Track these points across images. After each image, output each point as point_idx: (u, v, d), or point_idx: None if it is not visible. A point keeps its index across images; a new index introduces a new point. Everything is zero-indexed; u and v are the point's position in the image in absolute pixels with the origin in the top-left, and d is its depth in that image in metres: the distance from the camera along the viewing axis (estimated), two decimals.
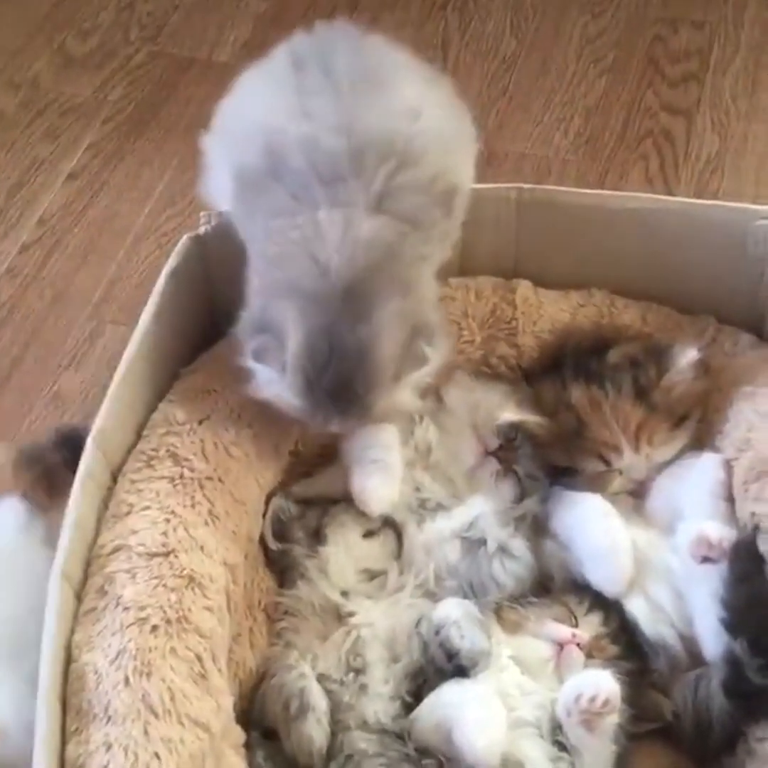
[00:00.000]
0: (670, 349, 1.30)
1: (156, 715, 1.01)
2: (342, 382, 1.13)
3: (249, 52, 2.10)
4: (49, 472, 1.31)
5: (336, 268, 1.10)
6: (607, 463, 1.28)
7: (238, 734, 1.12)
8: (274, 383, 1.15)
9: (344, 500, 1.30)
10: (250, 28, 2.17)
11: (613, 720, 1.11)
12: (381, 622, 1.21)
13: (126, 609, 1.07)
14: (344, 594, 1.24)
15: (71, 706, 1.02)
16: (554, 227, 1.36)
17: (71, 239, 1.86)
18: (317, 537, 1.29)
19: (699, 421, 1.31)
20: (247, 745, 1.13)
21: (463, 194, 1.22)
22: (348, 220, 1.11)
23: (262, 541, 1.28)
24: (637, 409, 1.28)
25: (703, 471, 1.25)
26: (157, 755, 0.98)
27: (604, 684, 1.09)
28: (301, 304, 1.11)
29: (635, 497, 1.30)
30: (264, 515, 1.28)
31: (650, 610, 1.21)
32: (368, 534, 1.30)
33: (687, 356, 1.28)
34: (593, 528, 1.23)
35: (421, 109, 1.17)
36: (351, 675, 1.17)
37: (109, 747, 0.98)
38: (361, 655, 1.18)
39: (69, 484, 1.15)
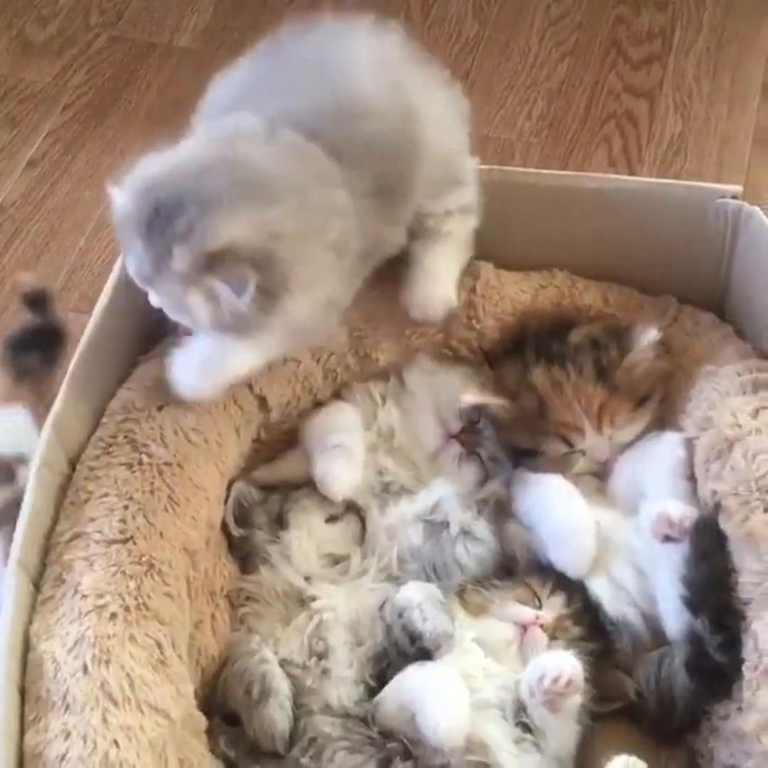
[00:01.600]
0: (632, 330, 1.29)
1: (115, 703, 1.00)
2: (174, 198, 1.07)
3: (209, 38, 2.09)
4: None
5: None
6: (570, 444, 1.28)
7: (200, 721, 1.11)
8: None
9: (306, 485, 1.30)
10: (210, 13, 2.15)
11: (576, 700, 1.11)
12: (344, 606, 1.21)
13: (84, 597, 1.06)
14: (307, 579, 1.24)
15: (30, 695, 1.01)
16: (515, 208, 1.35)
17: (32, 227, 1.85)
18: (280, 522, 1.28)
19: (661, 401, 1.31)
20: (209, 731, 1.13)
21: None
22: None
23: (224, 527, 1.28)
24: (598, 390, 1.27)
25: (664, 450, 1.25)
26: (116, 743, 0.98)
27: (567, 664, 1.09)
28: None
29: (598, 478, 1.30)
30: (226, 501, 1.27)
31: (613, 590, 1.21)
32: (331, 519, 1.29)
33: (648, 336, 1.27)
34: (556, 509, 1.23)
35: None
36: (314, 659, 1.17)
37: (67, 735, 0.98)
38: (324, 639, 1.18)
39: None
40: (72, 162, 1.93)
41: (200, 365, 1.19)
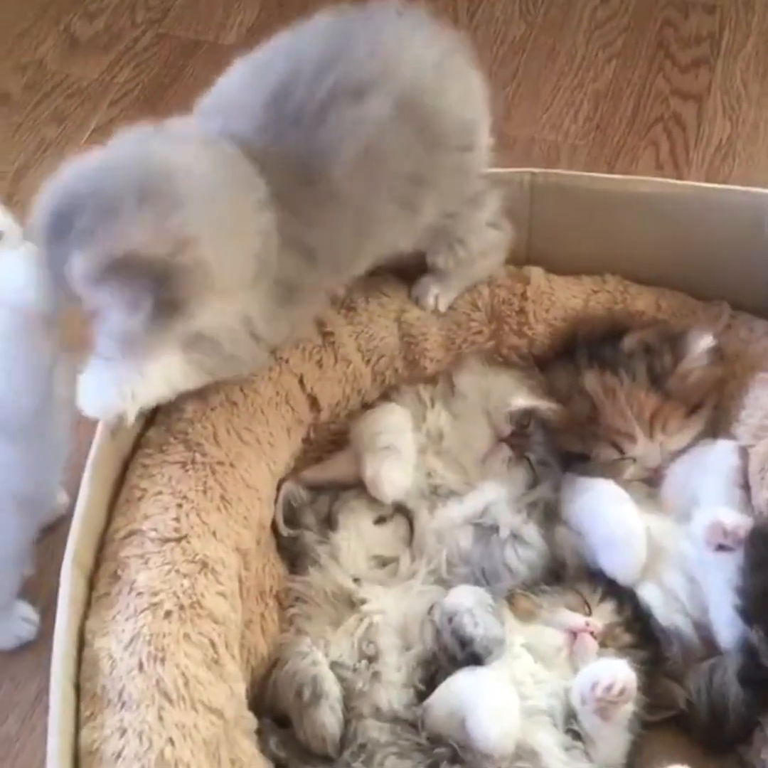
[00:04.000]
0: (685, 336, 1.29)
1: (170, 701, 1.00)
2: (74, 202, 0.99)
3: (255, 35, 2.08)
4: None
5: None
6: (621, 450, 1.28)
7: (251, 721, 1.12)
8: None
9: (355, 486, 1.30)
10: (256, 11, 2.15)
11: (628, 709, 1.11)
12: (393, 609, 1.21)
13: (139, 594, 1.06)
14: (356, 580, 1.24)
15: (85, 692, 1.02)
16: (567, 212, 1.35)
17: None
18: (328, 523, 1.28)
19: (714, 408, 1.30)
20: (260, 732, 1.13)
21: None
22: None
23: (274, 527, 1.28)
24: (651, 397, 1.27)
25: (718, 458, 1.24)
26: (171, 741, 0.98)
27: (620, 672, 1.09)
28: None
29: (649, 484, 1.29)
30: (275, 501, 1.27)
31: (664, 598, 1.20)
32: (380, 520, 1.29)
33: (702, 343, 1.27)
34: (607, 515, 1.23)
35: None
36: (364, 662, 1.17)
37: (123, 732, 0.98)
38: (374, 642, 1.18)
39: None
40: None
41: (109, 385, 1.08)
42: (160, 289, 0.98)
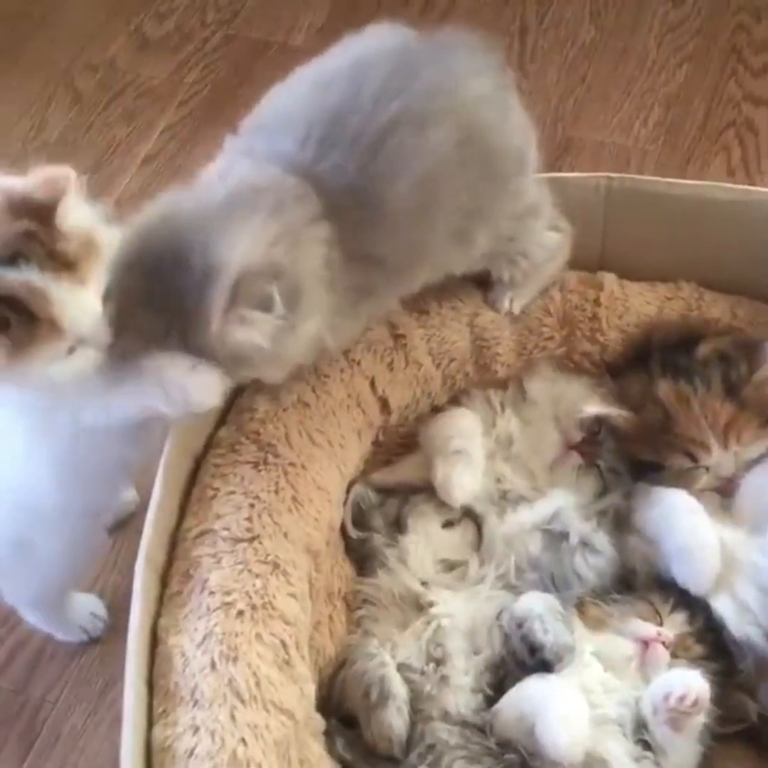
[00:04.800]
0: (761, 345, 1.27)
1: (242, 701, 1.01)
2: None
3: (324, 37, 2.09)
4: None
5: None
6: (695, 459, 1.26)
7: (319, 722, 1.12)
8: None
9: (424, 489, 1.30)
10: (325, 13, 2.16)
11: (700, 720, 1.10)
12: (461, 613, 1.20)
13: (212, 593, 1.07)
14: (424, 584, 1.24)
15: (158, 688, 1.02)
16: (643, 218, 1.33)
17: None
18: (397, 526, 1.28)
19: None
20: (327, 733, 1.13)
21: None
22: None
23: (342, 528, 1.28)
24: (726, 406, 1.25)
25: None
26: (243, 741, 0.98)
27: (694, 683, 1.08)
28: None
29: (722, 495, 1.28)
30: (345, 504, 1.27)
31: (737, 609, 1.18)
32: (448, 524, 1.29)
33: None
34: (680, 525, 1.21)
35: None
36: (432, 665, 1.17)
37: (195, 730, 0.99)
38: (442, 645, 1.18)
39: None
40: (187, 158, 1.95)
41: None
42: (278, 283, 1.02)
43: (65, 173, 0.93)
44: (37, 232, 0.91)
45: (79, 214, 0.94)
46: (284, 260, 1.04)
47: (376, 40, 1.17)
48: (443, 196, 1.13)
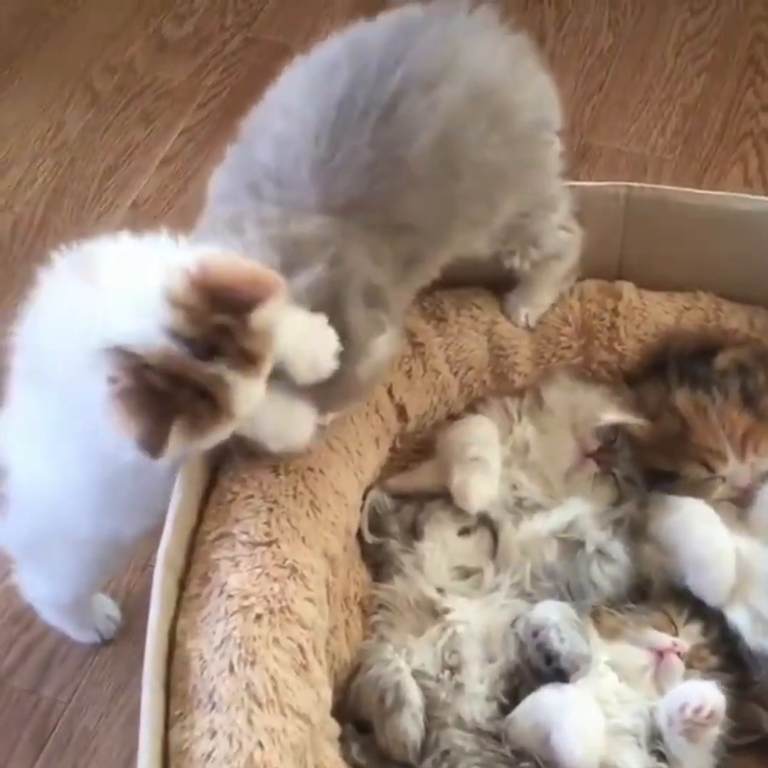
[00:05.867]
0: None
1: (260, 704, 1.01)
2: None
3: None
4: None
5: None
6: (711, 470, 1.26)
7: (334, 727, 1.12)
8: None
9: (440, 496, 1.30)
10: (345, 17, 2.15)
11: (715, 731, 1.10)
12: (476, 620, 1.21)
13: (230, 597, 1.07)
14: (440, 590, 1.24)
15: (176, 691, 1.02)
16: (662, 227, 1.34)
17: (163, 225, 1.87)
18: (413, 532, 1.28)
19: None
20: (342, 738, 1.13)
21: None
22: None
23: (359, 534, 1.28)
24: (744, 416, 1.26)
25: None
26: (260, 744, 0.98)
27: (710, 695, 1.08)
28: None
29: (738, 505, 1.28)
30: (361, 509, 1.28)
31: (752, 620, 1.19)
32: (464, 531, 1.29)
33: None
34: (695, 535, 1.22)
35: None
36: (447, 672, 1.17)
37: (213, 733, 0.99)
38: (457, 652, 1.18)
39: None
40: (205, 161, 1.95)
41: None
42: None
43: (274, 279, 0.94)
44: (233, 329, 0.92)
45: (270, 315, 0.95)
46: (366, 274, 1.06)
47: (368, 25, 1.16)
48: (462, 151, 1.12)
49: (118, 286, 0.95)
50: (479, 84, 1.12)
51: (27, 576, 1.28)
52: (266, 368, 0.97)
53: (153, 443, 0.91)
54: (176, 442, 0.92)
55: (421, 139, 1.08)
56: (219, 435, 0.97)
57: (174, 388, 0.91)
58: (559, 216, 1.27)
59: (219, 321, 0.92)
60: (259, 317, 0.94)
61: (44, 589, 1.30)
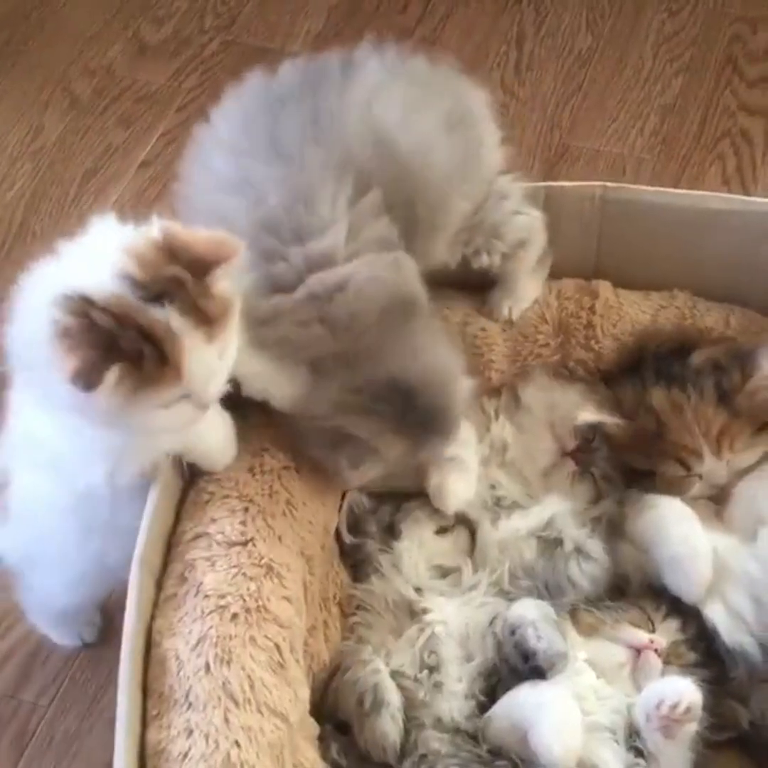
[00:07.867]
0: (754, 353, 1.28)
1: (236, 703, 1.01)
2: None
3: (322, 44, 2.10)
4: None
5: None
6: (688, 467, 1.27)
7: (314, 726, 1.12)
8: None
9: (417, 496, 1.30)
10: (323, 19, 2.16)
11: (692, 728, 1.10)
12: (454, 619, 1.21)
13: (206, 596, 1.07)
14: (418, 590, 1.24)
15: (152, 691, 1.02)
16: (638, 227, 1.34)
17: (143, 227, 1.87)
18: (391, 532, 1.29)
19: None
20: (321, 738, 1.13)
21: None
22: None
23: (337, 534, 1.28)
24: (719, 414, 1.26)
25: None
26: (237, 743, 0.98)
27: (686, 691, 1.08)
28: None
29: (715, 502, 1.28)
30: (340, 509, 1.28)
31: (729, 617, 1.19)
32: (441, 531, 1.29)
33: None
34: (672, 532, 1.22)
35: None
36: (425, 672, 1.17)
37: (189, 733, 0.98)
38: (436, 652, 1.18)
39: None
40: (184, 164, 1.94)
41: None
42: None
43: (236, 243, 0.95)
44: (186, 282, 0.92)
45: (228, 284, 0.96)
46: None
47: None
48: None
49: (79, 249, 0.96)
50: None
51: (23, 581, 1.27)
52: (222, 336, 0.96)
53: (88, 378, 0.88)
54: (115, 384, 0.90)
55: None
56: (164, 394, 0.94)
57: (119, 329, 0.90)
58: (512, 202, 1.28)
59: (174, 272, 0.92)
60: (218, 278, 0.94)
61: (38, 597, 1.29)
